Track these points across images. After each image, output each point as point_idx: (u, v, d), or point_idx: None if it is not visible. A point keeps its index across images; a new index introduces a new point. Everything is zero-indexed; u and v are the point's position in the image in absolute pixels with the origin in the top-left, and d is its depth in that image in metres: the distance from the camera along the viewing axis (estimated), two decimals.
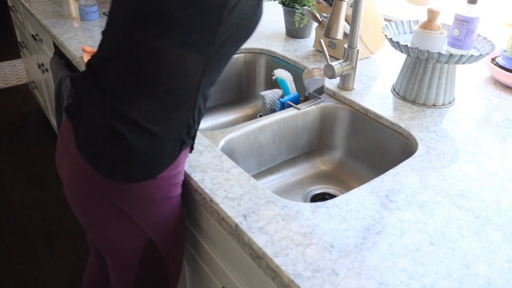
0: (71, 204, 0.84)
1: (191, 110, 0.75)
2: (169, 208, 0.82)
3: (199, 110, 0.77)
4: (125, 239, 0.82)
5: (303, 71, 1.25)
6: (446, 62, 1.01)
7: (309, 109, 1.13)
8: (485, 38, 1.09)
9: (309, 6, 1.42)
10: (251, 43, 1.46)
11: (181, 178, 0.82)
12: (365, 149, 1.11)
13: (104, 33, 0.78)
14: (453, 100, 1.12)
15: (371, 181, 0.82)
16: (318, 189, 1.12)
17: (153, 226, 0.82)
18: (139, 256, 0.86)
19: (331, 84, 1.18)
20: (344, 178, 1.14)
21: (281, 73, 1.21)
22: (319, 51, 1.41)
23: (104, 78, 0.75)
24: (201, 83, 0.74)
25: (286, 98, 1.17)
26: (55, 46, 1.64)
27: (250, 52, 1.44)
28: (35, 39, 2.01)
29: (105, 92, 0.74)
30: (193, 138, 0.80)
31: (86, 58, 1.30)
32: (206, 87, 0.76)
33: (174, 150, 0.76)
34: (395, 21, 1.17)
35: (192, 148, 0.83)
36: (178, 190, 0.82)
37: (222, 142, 0.97)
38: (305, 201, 1.08)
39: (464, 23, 1.02)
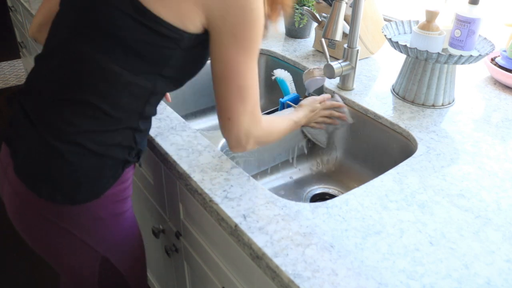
0: (19, 230, 0.81)
1: (132, 133, 0.75)
2: (119, 224, 0.80)
3: (141, 132, 0.77)
4: (79, 261, 0.81)
5: (303, 71, 1.25)
6: (445, 63, 1.01)
7: None
8: (485, 38, 1.09)
9: (308, 6, 1.42)
10: None
11: (128, 193, 0.81)
12: (365, 149, 1.11)
13: (47, 48, 0.76)
14: (453, 100, 1.12)
15: (371, 181, 0.82)
16: (318, 189, 1.12)
17: (105, 244, 0.80)
18: (97, 277, 0.84)
19: (331, 84, 1.18)
20: (344, 178, 1.14)
21: (281, 73, 1.21)
22: (318, 51, 1.41)
23: (43, 96, 0.73)
24: (144, 108, 0.75)
25: (286, 98, 1.17)
26: None
27: None
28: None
29: (44, 110, 0.72)
30: (138, 157, 0.79)
31: None
32: (149, 112, 0.77)
33: (116, 169, 0.75)
34: (395, 21, 1.17)
35: (138, 163, 0.83)
36: (127, 205, 0.81)
37: (222, 142, 0.97)
38: (304, 201, 1.08)
39: (465, 24, 1.02)
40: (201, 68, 0.79)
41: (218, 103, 0.74)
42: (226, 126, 0.75)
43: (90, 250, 0.79)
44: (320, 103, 1.04)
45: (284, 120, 0.91)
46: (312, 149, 1.19)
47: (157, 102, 0.79)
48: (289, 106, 1.14)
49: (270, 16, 0.74)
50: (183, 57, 0.72)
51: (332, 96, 1.10)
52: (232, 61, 0.70)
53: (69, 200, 0.73)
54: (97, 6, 0.69)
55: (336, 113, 1.06)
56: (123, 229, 0.82)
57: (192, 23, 0.69)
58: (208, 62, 0.76)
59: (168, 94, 1.13)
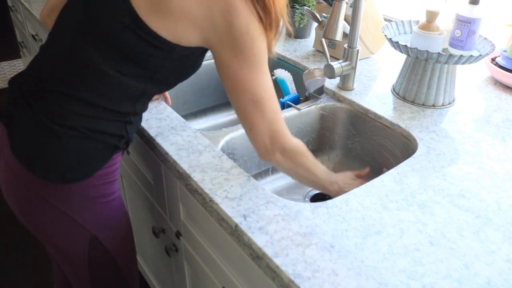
0: (12, 208, 0.85)
1: (124, 124, 0.80)
2: (108, 204, 0.85)
3: (132, 124, 0.82)
4: (69, 238, 0.84)
5: (303, 71, 1.25)
6: (445, 63, 1.01)
7: (309, 109, 1.13)
8: (485, 38, 1.09)
9: (309, 6, 1.42)
10: None
11: (116, 176, 0.85)
12: (365, 149, 1.11)
13: (52, 39, 0.80)
14: (453, 100, 1.12)
15: (371, 181, 0.82)
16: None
17: (93, 223, 0.84)
18: (87, 254, 0.87)
19: (331, 84, 1.18)
20: None
21: (281, 73, 1.21)
22: (319, 51, 1.41)
23: (43, 83, 0.77)
24: (135, 106, 0.80)
25: (286, 98, 1.17)
26: None
27: None
28: (35, 39, 2.01)
29: (42, 96, 0.76)
30: (127, 144, 0.85)
31: None
32: (139, 109, 0.82)
33: (106, 153, 0.80)
34: (395, 21, 1.17)
35: (126, 151, 0.88)
36: (114, 187, 0.86)
37: (222, 142, 0.97)
38: (305, 201, 1.08)
39: (465, 24, 1.02)
40: (194, 72, 0.82)
41: (238, 115, 0.77)
42: (250, 137, 0.78)
43: (80, 228, 0.83)
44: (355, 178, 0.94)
45: (318, 163, 0.87)
46: (312, 149, 1.19)
47: (148, 101, 0.84)
48: (289, 106, 1.14)
49: (268, 36, 0.75)
50: (175, 65, 0.76)
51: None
52: (238, 77, 0.72)
53: (62, 179, 0.77)
54: (99, 14, 0.73)
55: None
56: (111, 209, 0.86)
57: (187, 40, 0.72)
58: (206, 63, 0.76)
59: (168, 97, 1.15)
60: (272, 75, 1.22)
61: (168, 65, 0.75)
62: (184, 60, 0.76)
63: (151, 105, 1.06)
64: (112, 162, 0.82)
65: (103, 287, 0.96)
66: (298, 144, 0.82)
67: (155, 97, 1.08)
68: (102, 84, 0.74)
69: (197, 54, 0.77)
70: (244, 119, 0.76)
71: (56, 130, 0.74)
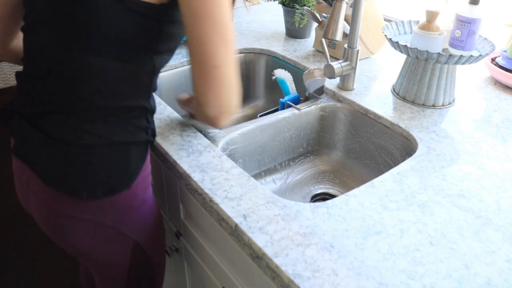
0: (52, 237, 0.83)
1: (144, 115, 0.78)
2: (148, 208, 0.85)
3: (151, 112, 0.81)
4: (114, 250, 0.84)
5: (303, 71, 1.25)
6: (445, 63, 1.01)
7: (309, 109, 1.13)
8: (485, 38, 1.09)
9: (309, 6, 1.42)
10: (251, 43, 1.46)
11: (150, 179, 0.84)
12: (365, 149, 1.11)
13: (34, 66, 0.75)
14: (453, 101, 1.12)
15: (371, 181, 0.82)
16: (318, 189, 1.12)
17: (136, 229, 0.84)
18: (129, 261, 0.87)
19: (331, 84, 1.18)
20: (344, 178, 1.14)
21: (281, 73, 1.21)
22: (319, 51, 1.41)
23: (48, 104, 0.73)
24: (150, 88, 0.78)
25: (286, 98, 1.17)
26: None
27: (250, 52, 1.44)
28: None
29: (53, 118, 0.72)
30: (154, 135, 0.84)
31: None
32: (153, 90, 0.80)
33: (142, 152, 0.79)
34: (395, 21, 1.17)
35: (151, 145, 0.85)
36: (150, 190, 0.85)
37: (222, 142, 0.97)
38: (305, 201, 1.08)
39: (465, 24, 1.02)
40: (182, 32, 0.74)
41: (195, 57, 0.67)
42: (212, 77, 0.66)
43: (124, 237, 0.82)
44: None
45: None
46: (312, 149, 1.20)
47: (156, 78, 0.80)
48: (289, 106, 1.14)
49: None
50: (167, 27, 0.71)
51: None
52: (204, 4, 0.65)
53: (109, 192, 0.74)
54: (76, 7, 0.66)
55: None
56: (151, 212, 0.86)
57: None
58: None
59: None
60: (272, 75, 1.22)
61: (162, 29, 0.70)
62: (169, 18, 0.70)
63: None
64: (146, 165, 0.81)
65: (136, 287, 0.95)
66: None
67: None
68: (112, 82, 0.71)
69: (176, 8, 0.68)
70: (209, 55, 0.66)
71: (83, 148, 0.71)
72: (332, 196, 1.08)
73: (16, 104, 0.78)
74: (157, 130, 0.96)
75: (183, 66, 1.32)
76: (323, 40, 1.15)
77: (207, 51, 0.65)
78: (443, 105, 1.09)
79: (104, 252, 0.83)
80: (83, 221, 0.77)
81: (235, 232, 0.71)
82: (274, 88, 1.43)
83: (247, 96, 1.50)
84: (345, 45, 1.11)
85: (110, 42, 0.68)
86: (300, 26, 1.46)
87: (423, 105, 1.09)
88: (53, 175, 0.73)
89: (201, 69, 0.67)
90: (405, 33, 1.18)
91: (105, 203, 0.76)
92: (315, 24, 1.48)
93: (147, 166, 0.81)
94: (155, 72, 0.76)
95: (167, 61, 0.79)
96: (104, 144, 0.72)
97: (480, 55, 1.00)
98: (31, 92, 0.76)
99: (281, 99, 1.17)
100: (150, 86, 0.77)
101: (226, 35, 0.66)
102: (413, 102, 1.10)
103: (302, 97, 1.21)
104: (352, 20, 1.06)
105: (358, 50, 1.09)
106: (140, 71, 0.73)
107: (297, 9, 1.42)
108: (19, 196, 0.87)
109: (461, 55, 0.98)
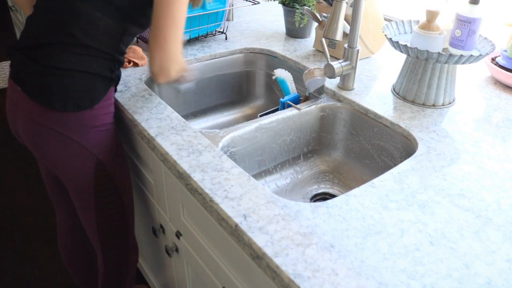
0: (29, 146, 1.03)
1: (112, 60, 0.98)
2: (107, 132, 1.02)
3: (118, 62, 1.01)
4: (78, 162, 1.01)
5: (303, 71, 1.25)
6: (445, 62, 1.01)
7: (309, 109, 1.13)
8: (485, 38, 1.09)
9: (309, 6, 1.42)
10: (251, 43, 1.46)
11: (112, 109, 1.03)
12: (365, 149, 1.11)
13: (39, 7, 0.97)
14: (453, 100, 1.12)
15: (371, 181, 0.82)
16: (318, 189, 1.12)
17: (98, 147, 1.01)
18: (93, 175, 1.04)
19: (331, 84, 1.18)
20: (344, 178, 1.14)
21: (281, 73, 1.21)
22: (319, 51, 1.41)
23: (40, 40, 0.94)
24: (119, 44, 0.98)
25: (286, 98, 1.17)
26: None
27: (250, 52, 1.44)
28: None
29: (43, 50, 0.93)
30: (118, 79, 1.04)
31: None
32: (122, 48, 1.00)
33: (105, 84, 0.98)
34: (396, 21, 1.17)
35: (116, 89, 1.06)
36: (112, 118, 1.03)
37: (222, 142, 0.97)
38: (305, 201, 1.08)
39: (466, 24, 1.02)
40: (151, 9, 0.94)
41: (154, 30, 0.92)
42: (158, 49, 0.92)
43: (86, 151, 1.00)
44: None
45: None
46: (312, 149, 1.20)
47: (128, 42, 1.02)
48: (289, 106, 1.14)
49: None
50: (146, 5, 0.93)
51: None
52: None
53: (77, 108, 0.94)
54: None
55: None
56: (110, 137, 1.04)
57: None
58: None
59: (146, 58, 1.28)
60: (272, 75, 1.22)
61: (143, 2, 0.93)
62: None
63: (151, 105, 1.06)
64: (109, 96, 1.00)
65: (105, 212, 1.12)
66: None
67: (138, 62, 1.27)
68: (93, 27, 0.92)
69: None
70: (159, 31, 0.91)
71: (63, 72, 0.92)
72: (332, 196, 1.08)
73: (18, 41, 1.00)
74: (157, 130, 0.96)
75: None
76: (323, 40, 1.15)
77: (162, 28, 0.91)
78: (443, 105, 1.09)
79: (72, 166, 1.02)
80: (55, 133, 0.96)
81: (235, 232, 0.71)
82: (274, 88, 1.43)
83: (247, 95, 1.50)
84: (345, 45, 1.11)
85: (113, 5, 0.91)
86: (300, 26, 1.46)
87: (423, 104, 1.09)
88: (36, 90, 0.94)
89: (155, 36, 0.92)
90: (405, 32, 1.18)
91: (72, 118, 0.95)
92: (315, 24, 1.48)
93: (109, 99, 1.01)
94: (124, 34, 0.97)
95: (136, 32, 1.01)
96: (78, 71, 0.93)
97: (480, 54, 0.99)
98: (28, 29, 0.98)
99: (281, 99, 1.17)
100: (119, 42, 0.98)
101: (178, 22, 0.91)
102: (413, 102, 1.10)
103: (302, 97, 1.21)
104: (352, 20, 1.06)
105: (358, 50, 1.09)
106: (114, 28, 0.94)
107: (297, 9, 1.42)
108: (8, 115, 1.06)
109: (461, 55, 0.98)
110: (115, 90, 1.07)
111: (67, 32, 0.92)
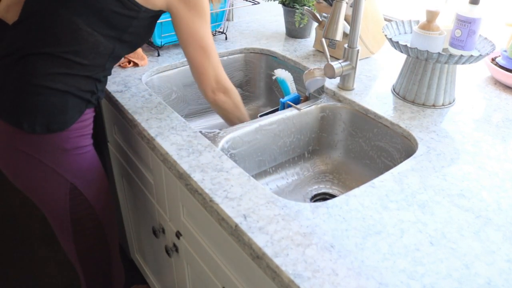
0: (4, 169, 0.97)
1: (94, 81, 0.93)
2: (83, 156, 0.96)
3: (101, 82, 0.96)
4: (50, 187, 0.96)
5: (303, 71, 1.25)
6: (445, 62, 1.01)
7: (309, 109, 1.13)
8: (485, 38, 1.09)
9: (309, 6, 1.42)
10: (251, 43, 1.46)
11: (89, 131, 0.97)
12: (365, 149, 1.11)
13: (25, 14, 0.91)
14: (453, 100, 1.12)
15: (371, 181, 0.82)
16: (318, 189, 1.12)
17: (71, 172, 0.96)
18: (68, 201, 0.99)
19: (331, 84, 1.18)
20: (344, 178, 1.14)
21: (281, 73, 1.21)
22: (319, 51, 1.41)
23: (20, 49, 0.88)
24: (105, 64, 0.94)
25: (286, 98, 1.17)
26: None
27: (250, 52, 1.44)
28: None
29: (19, 61, 0.87)
30: (97, 101, 0.99)
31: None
32: (108, 68, 0.96)
33: (81, 106, 0.93)
34: (396, 21, 1.17)
35: (95, 110, 1.01)
36: (88, 141, 0.98)
37: (222, 142, 0.97)
38: (305, 201, 1.08)
39: (466, 24, 1.02)
40: (150, 36, 1.00)
41: (190, 64, 0.98)
42: (200, 81, 0.98)
43: (59, 177, 0.95)
44: None
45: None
46: (312, 149, 1.19)
47: (115, 62, 0.98)
48: (289, 106, 1.14)
49: None
50: (139, 26, 0.92)
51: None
52: (191, 28, 0.92)
53: (47, 130, 0.88)
54: None
55: None
56: (86, 160, 0.98)
57: (152, 4, 0.90)
58: None
59: (146, 58, 1.28)
60: (272, 75, 1.22)
61: (133, 26, 0.91)
62: (147, 22, 0.93)
63: (151, 105, 1.06)
64: (85, 117, 0.95)
65: (84, 236, 1.08)
66: (233, 86, 1.03)
67: (123, 61, 1.24)
68: (78, 41, 0.87)
69: (155, 19, 0.95)
70: (195, 66, 0.96)
71: (35, 89, 0.86)
72: (332, 196, 1.08)
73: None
74: (157, 130, 0.96)
75: (183, 66, 1.32)
76: (323, 40, 1.15)
77: (195, 64, 0.97)
78: (443, 105, 1.09)
79: (45, 191, 0.97)
80: (26, 156, 0.91)
81: (235, 232, 0.71)
82: (274, 88, 1.43)
83: (247, 96, 1.50)
84: (345, 45, 1.11)
85: (92, 13, 0.86)
86: (300, 26, 1.46)
87: (423, 105, 1.09)
88: (5, 109, 0.89)
89: (194, 75, 0.98)
90: (405, 33, 1.18)
91: (43, 140, 0.90)
92: (315, 24, 1.48)
93: (85, 120, 0.95)
94: (113, 53, 0.93)
95: (125, 52, 0.98)
96: (51, 88, 0.87)
97: (480, 55, 0.99)
98: (9, 36, 0.91)
99: (281, 99, 1.17)
100: (105, 61, 0.93)
101: (209, 54, 0.96)
102: (413, 102, 1.10)
103: (302, 97, 1.21)
104: (352, 20, 1.06)
105: (358, 50, 1.09)
106: (104, 47, 0.90)
107: (297, 9, 1.42)
108: None
109: (461, 55, 0.98)
110: (95, 111, 1.02)
111: (47, 43, 0.87)
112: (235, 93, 1.05)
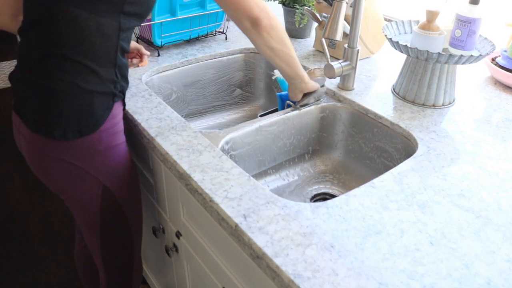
0: (36, 173, 0.97)
1: (112, 68, 0.88)
2: (116, 155, 0.94)
3: (120, 67, 0.90)
4: (83, 189, 0.95)
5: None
6: (445, 62, 1.01)
7: (309, 109, 1.13)
8: (485, 38, 1.09)
9: (309, 6, 1.42)
10: (251, 43, 1.46)
11: (120, 127, 0.95)
12: (365, 149, 1.11)
13: (29, 20, 0.88)
14: (453, 100, 1.12)
15: (371, 181, 0.82)
16: (318, 189, 1.12)
17: (105, 173, 0.95)
18: (100, 203, 0.98)
19: (331, 84, 1.18)
20: (344, 178, 1.14)
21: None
22: (319, 51, 1.41)
23: (32, 58, 0.86)
24: (118, 44, 0.87)
25: (284, 92, 1.16)
26: None
27: (250, 52, 1.44)
28: None
29: (35, 69, 0.85)
30: (122, 92, 0.93)
31: None
32: (122, 47, 0.90)
33: (107, 102, 0.89)
34: (396, 21, 1.17)
35: (124, 104, 0.97)
36: (121, 138, 0.95)
37: (222, 142, 0.97)
38: (305, 201, 1.08)
39: (466, 24, 1.02)
40: (153, 4, 0.92)
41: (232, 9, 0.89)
42: (243, 8, 0.88)
43: (93, 179, 0.94)
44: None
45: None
46: (312, 149, 1.19)
47: (128, 39, 0.91)
48: (289, 106, 1.14)
49: None
50: None
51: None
52: None
53: (80, 135, 0.87)
54: None
55: None
56: (120, 160, 0.96)
57: None
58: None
59: (146, 58, 1.21)
60: (272, 75, 1.22)
61: None
62: None
63: (151, 105, 1.06)
64: (115, 113, 0.91)
65: (111, 236, 1.07)
66: (280, 23, 0.94)
67: (136, 61, 1.19)
68: (79, 30, 0.82)
69: None
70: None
71: (57, 94, 0.84)
72: (332, 196, 1.08)
73: (17, 65, 0.92)
74: (157, 130, 0.96)
75: (183, 66, 1.32)
76: (323, 40, 1.15)
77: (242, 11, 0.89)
78: (443, 105, 1.09)
79: (77, 191, 0.95)
80: (58, 161, 0.90)
81: (235, 232, 0.71)
82: (274, 88, 1.43)
83: (247, 96, 1.50)
84: (345, 45, 1.11)
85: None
86: (300, 26, 1.46)
87: (423, 105, 1.09)
88: (34, 120, 0.87)
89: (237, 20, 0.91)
90: (405, 33, 1.18)
91: (74, 145, 0.88)
92: (315, 24, 1.48)
93: (114, 117, 0.92)
94: (121, 28, 0.87)
95: (134, 24, 0.90)
96: (71, 91, 0.84)
97: (480, 55, 0.99)
98: (21, 46, 0.89)
99: (278, 93, 1.16)
100: (117, 42, 0.87)
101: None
102: (413, 102, 1.10)
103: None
104: (352, 20, 1.06)
105: (358, 50, 1.09)
106: (107, 26, 0.84)
107: (297, 9, 1.42)
108: (16, 141, 1.00)
109: (461, 55, 0.98)
110: (124, 105, 0.97)
111: (56, 41, 0.83)
112: (282, 29, 0.95)
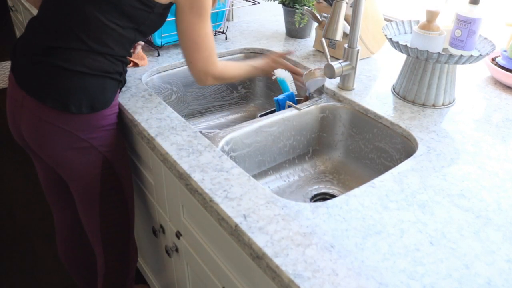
0: (33, 145, 1.04)
1: (121, 64, 1.03)
2: (113, 132, 1.05)
3: (125, 63, 1.05)
4: (85, 160, 1.03)
5: (303, 71, 1.25)
6: (445, 62, 1.01)
7: (309, 109, 1.13)
8: (485, 38, 1.09)
9: (309, 6, 1.42)
10: (251, 43, 1.46)
11: (117, 109, 1.06)
12: (365, 149, 1.11)
13: (48, 9, 1.00)
14: (453, 100, 1.12)
15: (371, 181, 0.82)
16: (318, 189, 1.12)
17: (105, 146, 1.04)
18: (100, 175, 1.07)
19: (331, 84, 1.18)
20: (344, 178, 1.14)
21: (281, 73, 1.21)
22: (319, 51, 1.41)
23: (52, 40, 0.95)
24: (128, 50, 1.04)
25: (280, 96, 1.17)
26: None
27: (250, 52, 1.44)
28: None
29: (54, 49, 0.95)
30: (124, 81, 1.08)
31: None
32: (129, 52, 1.06)
33: (116, 87, 1.03)
34: (396, 21, 1.17)
35: (120, 88, 1.09)
36: (116, 118, 1.06)
37: (222, 142, 0.97)
38: (305, 201, 1.08)
39: (466, 24, 1.02)
40: (161, 25, 1.07)
41: (183, 53, 1.05)
42: (190, 68, 1.06)
43: (96, 150, 1.03)
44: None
45: (242, 64, 1.19)
46: (312, 149, 1.19)
47: (132, 46, 1.07)
48: (289, 106, 1.14)
49: None
50: (154, 18, 1.01)
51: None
52: (189, 23, 1.00)
53: (92, 110, 0.98)
54: None
55: (289, 66, 1.25)
56: (116, 136, 1.07)
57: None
58: None
59: (146, 58, 1.32)
60: (272, 75, 1.22)
61: (149, 19, 1.00)
62: (160, 14, 1.02)
63: (151, 105, 1.06)
64: (117, 98, 1.06)
65: (109, 213, 1.14)
66: (222, 68, 1.09)
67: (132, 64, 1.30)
68: (105, 36, 0.96)
69: (167, 10, 1.03)
70: (187, 56, 1.04)
71: (76, 74, 0.95)
72: (332, 196, 1.08)
73: (20, 45, 1.02)
74: (157, 130, 0.96)
75: (183, 66, 1.32)
76: (323, 40, 1.15)
77: (186, 54, 1.05)
78: (443, 105, 1.09)
79: (80, 164, 1.04)
80: (65, 132, 0.98)
81: (235, 232, 0.71)
82: (274, 88, 1.43)
83: (247, 96, 1.50)
84: (345, 45, 1.11)
85: (115, 9, 0.95)
86: (300, 26, 1.46)
87: (423, 105, 1.09)
88: (48, 94, 0.95)
89: (186, 59, 1.05)
90: (405, 33, 1.18)
91: (84, 119, 0.98)
92: (315, 24, 1.48)
93: (116, 100, 1.05)
94: (134, 41, 1.04)
95: (142, 39, 1.07)
96: (90, 74, 0.96)
97: (480, 55, 0.99)
98: (33, 32, 1.00)
99: (275, 98, 1.16)
100: (129, 48, 1.04)
101: (199, 47, 1.02)
102: (413, 102, 1.10)
103: (302, 97, 1.21)
104: (352, 20, 1.06)
105: (358, 50, 1.09)
106: (125, 37, 1.00)
107: (297, 9, 1.42)
108: (9, 116, 1.07)
109: (461, 55, 0.98)
110: (119, 91, 1.11)
111: (78, 38, 0.94)
112: (224, 72, 1.11)
